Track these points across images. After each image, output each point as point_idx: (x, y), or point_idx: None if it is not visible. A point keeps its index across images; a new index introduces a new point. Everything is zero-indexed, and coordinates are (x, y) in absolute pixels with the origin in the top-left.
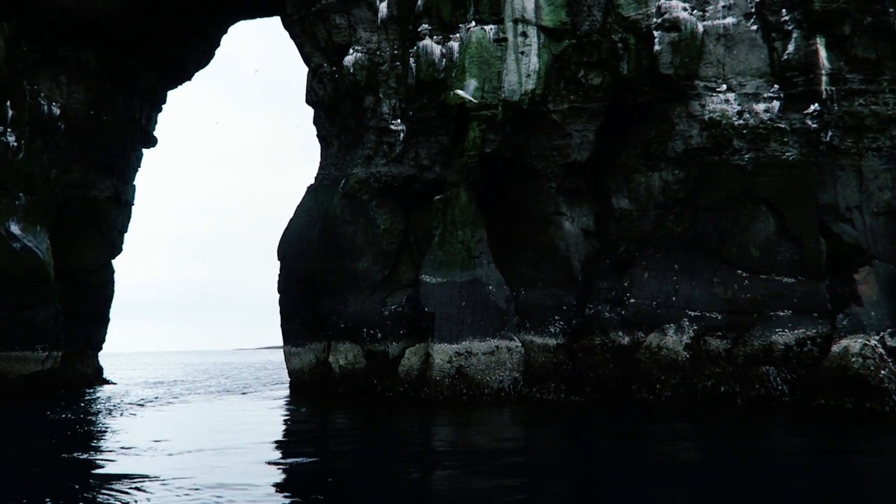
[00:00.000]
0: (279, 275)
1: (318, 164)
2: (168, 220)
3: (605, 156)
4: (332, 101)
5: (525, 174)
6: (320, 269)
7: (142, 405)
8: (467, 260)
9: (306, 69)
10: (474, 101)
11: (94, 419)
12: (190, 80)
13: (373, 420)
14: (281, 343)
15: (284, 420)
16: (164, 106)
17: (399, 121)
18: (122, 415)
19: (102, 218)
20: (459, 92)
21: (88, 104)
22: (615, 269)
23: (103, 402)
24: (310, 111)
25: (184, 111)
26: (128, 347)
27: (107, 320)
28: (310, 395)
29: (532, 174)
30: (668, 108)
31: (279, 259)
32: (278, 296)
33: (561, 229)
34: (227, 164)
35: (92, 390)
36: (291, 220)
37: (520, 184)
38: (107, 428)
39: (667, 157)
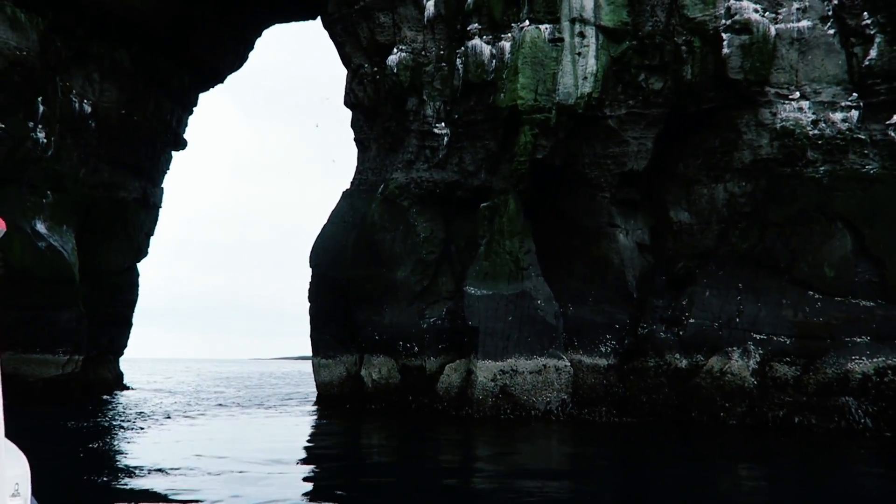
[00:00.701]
0: (310, 283)
1: (352, 171)
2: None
3: (662, 166)
4: (372, 104)
5: (577, 183)
6: (355, 277)
7: (168, 417)
8: (515, 272)
9: (344, 71)
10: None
11: (119, 432)
12: (222, 82)
13: (409, 440)
14: (297, 354)
15: (318, 438)
16: (195, 108)
17: (443, 124)
18: (147, 428)
19: (130, 219)
20: None
21: (120, 103)
22: (672, 287)
23: (128, 410)
24: (333, 115)
25: (208, 116)
26: (143, 353)
27: (130, 324)
28: (339, 410)
29: (584, 183)
30: (735, 116)
31: (311, 266)
32: (308, 304)
33: (615, 242)
34: (251, 172)
35: (112, 397)
36: (325, 226)
37: (570, 193)
38: (134, 441)
39: (733, 168)
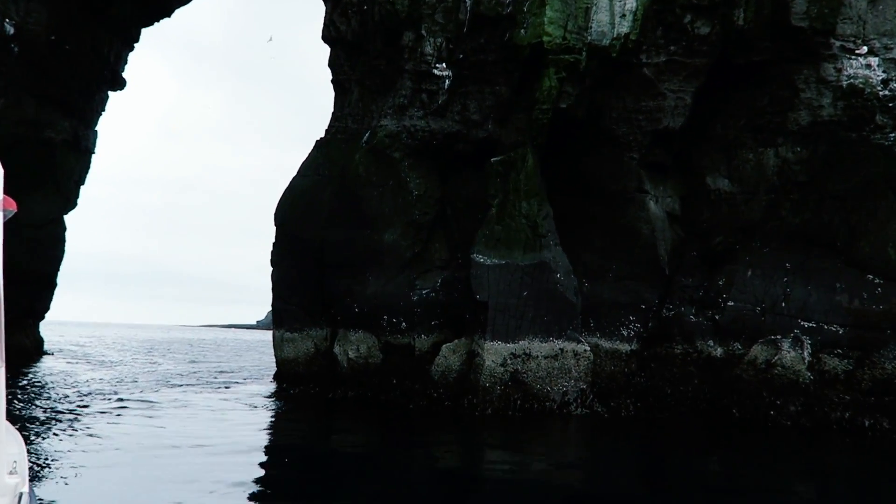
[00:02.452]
0: (274, 244)
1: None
2: (112, 188)
3: (695, 126)
4: (357, 38)
5: (600, 141)
6: (332, 239)
7: (85, 408)
8: (532, 239)
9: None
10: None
11: (42, 428)
12: (169, 16)
13: (396, 442)
14: (225, 322)
15: (280, 435)
16: (136, 45)
17: (444, 65)
18: (95, 421)
19: (58, 165)
20: None
21: (50, 28)
22: (705, 264)
23: (49, 390)
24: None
25: (138, 76)
26: (63, 315)
27: (54, 285)
28: (305, 394)
29: (610, 141)
30: (792, 71)
31: (276, 224)
32: (271, 269)
33: (644, 210)
34: (183, 134)
35: (28, 368)
36: (294, 179)
37: (592, 152)
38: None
39: (786, 131)
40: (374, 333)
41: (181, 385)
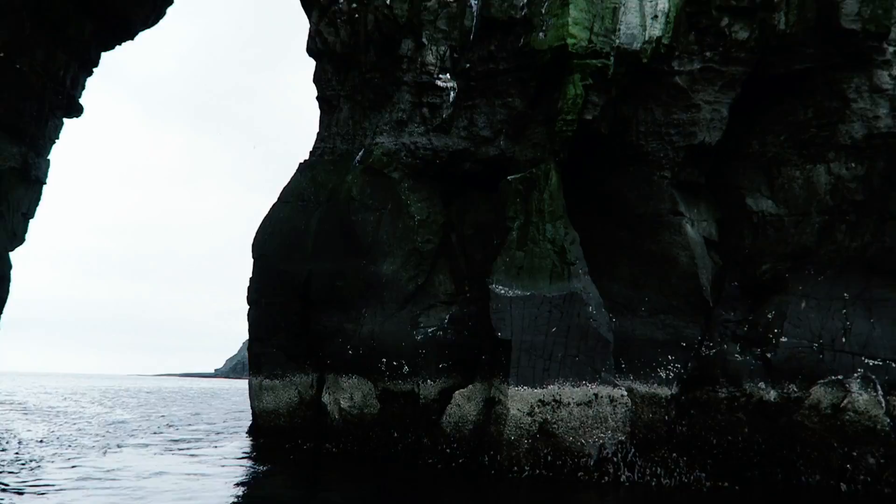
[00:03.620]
0: (251, 279)
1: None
2: (64, 225)
3: (729, 142)
4: (347, 50)
5: (627, 158)
6: (320, 271)
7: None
8: (559, 267)
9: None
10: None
11: None
12: (132, 38)
13: None
14: (182, 371)
15: None
16: (95, 69)
17: (448, 75)
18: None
19: (3, 194)
20: None
21: (0, 44)
22: (748, 296)
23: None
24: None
25: (94, 119)
26: (6, 365)
27: None
28: (289, 452)
29: (638, 159)
30: (840, 80)
31: (254, 257)
32: (248, 308)
33: (681, 235)
34: (141, 177)
35: None
36: (275, 206)
37: (617, 172)
38: None
39: (837, 145)
40: (370, 379)
41: (144, 444)
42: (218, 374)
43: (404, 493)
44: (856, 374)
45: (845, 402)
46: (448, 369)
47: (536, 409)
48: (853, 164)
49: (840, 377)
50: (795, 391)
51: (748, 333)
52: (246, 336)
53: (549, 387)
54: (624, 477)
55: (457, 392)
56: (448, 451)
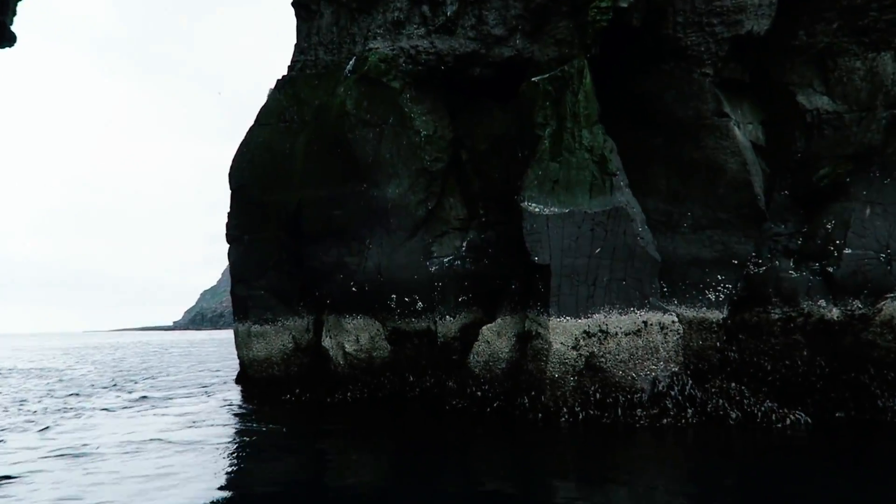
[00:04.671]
0: (230, 215)
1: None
2: None
3: (772, 35)
4: None
5: (662, 54)
6: (312, 200)
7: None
8: (600, 179)
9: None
10: None
11: None
12: None
13: (428, 470)
14: (139, 325)
15: (267, 478)
16: None
17: None
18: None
19: None
20: None
21: None
22: (802, 205)
23: None
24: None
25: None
26: None
27: None
28: (286, 403)
29: (674, 53)
30: None
31: (232, 189)
32: (227, 247)
33: (729, 138)
34: (83, 127)
35: None
36: (252, 130)
37: (651, 69)
38: None
39: None
40: (377, 318)
41: (133, 401)
42: (177, 326)
43: (435, 444)
44: None
45: None
46: (468, 303)
47: (582, 342)
48: None
49: None
50: (860, 308)
51: (803, 247)
52: (203, 287)
53: (595, 316)
54: (689, 414)
55: (484, 328)
56: (479, 393)
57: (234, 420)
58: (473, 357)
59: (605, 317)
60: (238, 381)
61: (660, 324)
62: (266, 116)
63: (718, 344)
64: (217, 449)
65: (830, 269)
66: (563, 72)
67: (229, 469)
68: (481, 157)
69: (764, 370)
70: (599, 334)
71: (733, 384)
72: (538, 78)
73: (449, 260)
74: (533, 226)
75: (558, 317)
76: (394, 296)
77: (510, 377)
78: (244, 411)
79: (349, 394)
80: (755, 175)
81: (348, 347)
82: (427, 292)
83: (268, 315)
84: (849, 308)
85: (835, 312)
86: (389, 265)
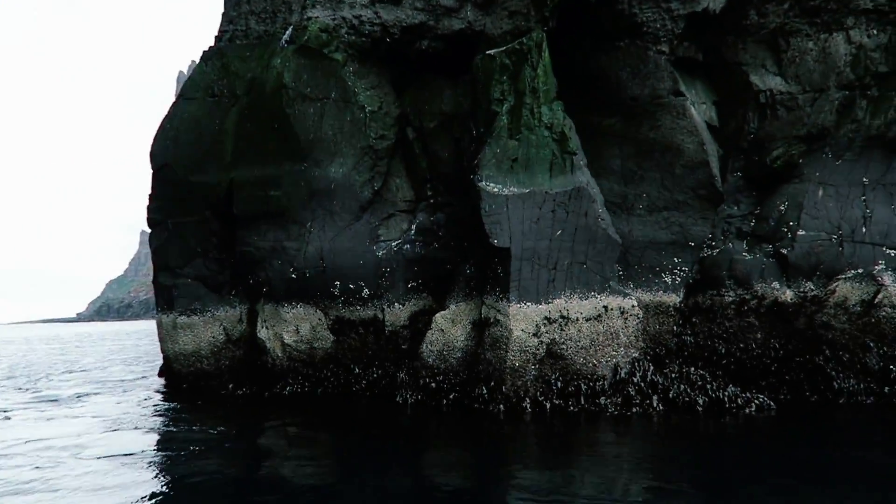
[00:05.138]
0: (153, 197)
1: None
2: None
3: (723, 14)
4: None
5: (618, 31)
6: (246, 180)
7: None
8: (561, 158)
9: None
10: None
11: None
12: None
13: (380, 468)
14: (39, 318)
15: (204, 475)
16: None
17: None
18: None
19: None
20: None
21: None
22: (754, 186)
23: None
24: None
25: None
26: None
27: None
28: (218, 400)
29: (630, 30)
30: None
31: (154, 169)
32: (149, 232)
33: (686, 118)
34: None
35: None
36: (176, 105)
37: (605, 46)
38: None
39: (857, 9)
40: (319, 307)
41: (43, 401)
42: (81, 318)
43: (386, 439)
44: (878, 267)
45: (880, 296)
46: (417, 289)
47: (542, 329)
48: (875, 31)
49: (869, 270)
50: (812, 289)
51: (756, 229)
52: (109, 277)
53: (555, 301)
54: (654, 401)
55: (437, 315)
56: (433, 385)
57: (160, 420)
58: (426, 346)
59: (566, 302)
60: (161, 375)
61: (620, 308)
62: (192, 90)
63: (675, 328)
64: (144, 454)
65: (784, 251)
66: (522, 45)
67: (160, 475)
68: (430, 136)
69: (718, 353)
70: (560, 320)
71: (692, 369)
72: (495, 51)
73: (398, 244)
74: (492, 206)
75: (518, 302)
76: (337, 282)
77: (467, 367)
78: (171, 410)
79: (288, 388)
80: (712, 155)
81: (287, 338)
82: (373, 278)
83: (196, 305)
84: (802, 290)
85: (788, 294)
86: (332, 250)
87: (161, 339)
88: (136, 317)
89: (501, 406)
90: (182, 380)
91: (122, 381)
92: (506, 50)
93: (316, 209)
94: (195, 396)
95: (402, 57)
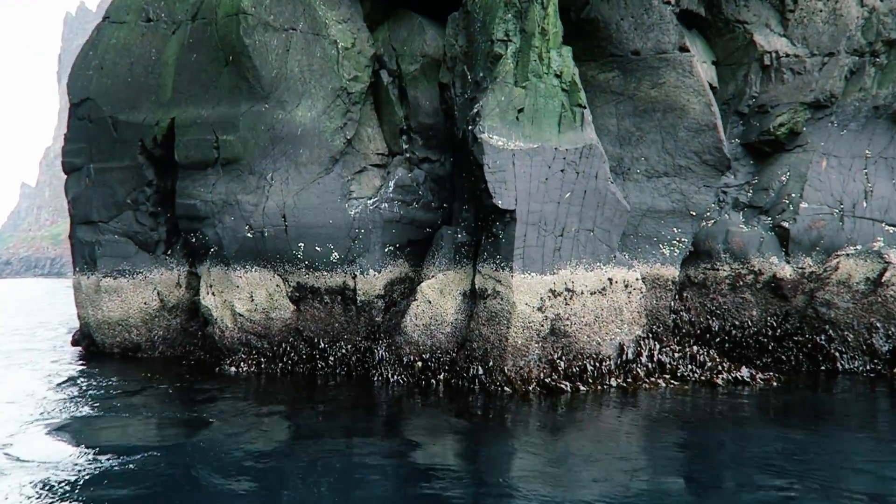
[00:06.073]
0: (69, 138)
1: None
2: None
3: None
4: None
5: None
6: (191, 121)
7: None
8: (570, 110)
9: None
10: None
11: None
12: None
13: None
14: None
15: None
16: None
17: None
18: None
19: None
20: None
21: None
22: (752, 154)
23: None
24: None
25: None
26: None
27: None
28: (153, 378)
29: None
30: None
31: (73, 105)
32: (65, 177)
33: (693, 76)
34: None
35: None
36: (100, 29)
37: None
38: None
39: None
40: (277, 272)
41: None
42: None
43: (361, 429)
44: (877, 244)
45: (888, 275)
46: (394, 254)
47: (547, 303)
48: None
49: (870, 247)
50: (811, 265)
51: (754, 199)
52: None
53: (561, 272)
54: (650, 369)
55: (423, 284)
56: (419, 363)
57: (85, 404)
58: (410, 320)
59: (572, 273)
60: (76, 345)
61: (624, 282)
62: (121, 12)
63: (672, 304)
64: (71, 456)
65: (786, 224)
66: None
67: (96, 476)
68: (409, 81)
69: (712, 330)
70: (565, 293)
71: (696, 348)
72: None
73: (374, 202)
74: (496, 162)
75: (522, 272)
76: (301, 244)
77: (457, 343)
78: (96, 389)
79: (241, 366)
80: (719, 118)
81: (239, 307)
82: (345, 240)
83: (124, 266)
84: (800, 266)
85: (787, 270)
86: (297, 206)
87: (79, 305)
88: (17, 274)
89: (501, 388)
90: (105, 352)
91: (30, 350)
92: None
93: (278, 158)
94: (122, 373)
95: None
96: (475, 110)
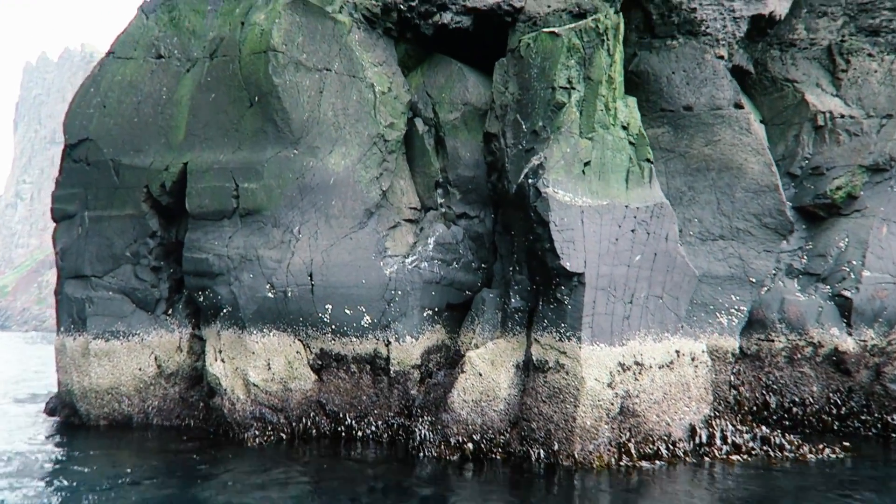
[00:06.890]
0: (62, 182)
1: None
2: None
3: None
4: None
5: (673, 28)
6: (206, 166)
7: None
8: (637, 165)
9: None
10: None
11: None
12: None
13: None
14: None
15: None
16: None
17: None
18: None
19: None
20: None
21: None
22: (806, 218)
23: None
24: None
25: None
26: None
27: None
28: (148, 455)
29: (688, 29)
30: None
31: (68, 146)
32: (55, 226)
33: (750, 134)
34: None
35: None
36: (105, 64)
37: (657, 45)
38: None
39: None
40: (298, 337)
41: None
42: None
43: None
44: None
45: None
46: (432, 319)
47: (617, 378)
48: None
49: None
50: (874, 338)
51: (810, 266)
52: None
53: (630, 343)
54: (723, 451)
55: (472, 354)
56: (470, 445)
57: (71, 492)
58: (458, 395)
59: (640, 344)
60: (52, 414)
61: (691, 354)
62: (127, 48)
63: (732, 378)
64: None
65: (848, 293)
66: (598, 23)
67: None
68: (448, 131)
69: (769, 407)
70: (634, 367)
71: (763, 427)
72: (561, 28)
73: (413, 261)
74: (563, 219)
75: (591, 343)
76: (328, 306)
77: (510, 423)
78: (83, 474)
79: (255, 440)
80: (779, 181)
81: (253, 376)
82: (378, 303)
83: (118, 326)
84: (862, 338)
85: (850, 343)
86: (326, 263)
87: (61, 369)
88: None
89: (556, 473)
90: (90, 423)
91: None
92: (576, 28)
93: (307, 209)
94: (112, 448)
95: (414, 31)
96: (536, 162)
